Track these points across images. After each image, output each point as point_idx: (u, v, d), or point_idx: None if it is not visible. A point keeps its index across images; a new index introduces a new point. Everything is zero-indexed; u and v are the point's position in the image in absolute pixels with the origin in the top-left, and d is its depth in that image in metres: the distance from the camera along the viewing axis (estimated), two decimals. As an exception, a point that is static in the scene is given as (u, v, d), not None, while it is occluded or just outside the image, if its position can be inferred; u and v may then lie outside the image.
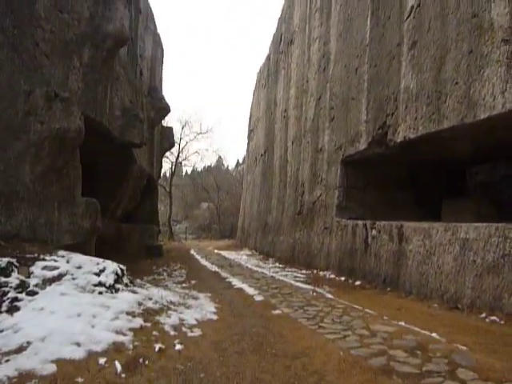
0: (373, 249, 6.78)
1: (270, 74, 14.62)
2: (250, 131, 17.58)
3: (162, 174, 28.54)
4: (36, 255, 3.99)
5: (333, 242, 8.31)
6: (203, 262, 10.92)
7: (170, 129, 12.99)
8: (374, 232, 6.81)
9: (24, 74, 4.90)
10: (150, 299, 4.08)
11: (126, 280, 4.32)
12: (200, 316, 4.11)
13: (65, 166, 5.34)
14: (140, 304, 3.80)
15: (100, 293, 3.72)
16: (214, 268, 9.29)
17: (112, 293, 3.84)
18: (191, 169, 51.01)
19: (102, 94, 6.37)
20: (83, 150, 6.34)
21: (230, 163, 53.60)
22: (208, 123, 62.72)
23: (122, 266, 4.47)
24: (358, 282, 6.93)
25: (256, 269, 9.34)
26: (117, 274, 4.15)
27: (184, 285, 6.76)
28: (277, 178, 12.65)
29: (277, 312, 4.56)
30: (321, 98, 9.53)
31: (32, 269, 3.68)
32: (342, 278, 7.49)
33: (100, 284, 3.85)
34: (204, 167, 46.17)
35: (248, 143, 18.15)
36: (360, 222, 7.31)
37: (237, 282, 6.90)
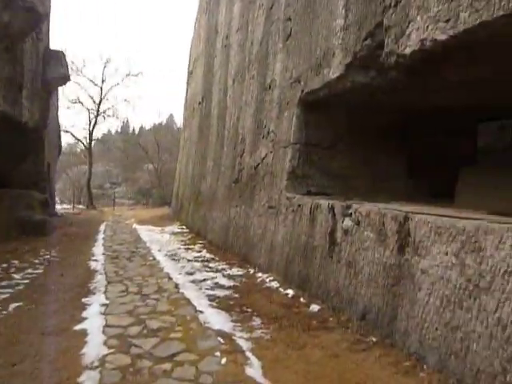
0: (344, 251, 3.82)
1: (212, -6, 10.94)
2: (189, 74, 13.90)
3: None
4: None
5: (280, 230, 5.30)
6: (97, 247, 7.63)
7: (59, 53, 9.00)
8: (347, 221, 3.83)
9: None
10: None
11: None
12: None
13: None
14: None
15: None
16: (98, 263, 6.06)
17: None
18: (139, 126, 46.58)
19: None
20: None
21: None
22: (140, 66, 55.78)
23: None
24: (314, 307, 4.00)
25: (166, 263, 6.23)
26: None
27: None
28: (214, 132, 9.35)
29: None
30: (273, 6, 6.21)
31: None
32: (290, 293, 4.54)
33: None
34: (154, 125, 41.71)
35: (186, 90, 14.51)
36: (324, 202, 4.31)
37: (96, 309, 3.74)
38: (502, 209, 3.62)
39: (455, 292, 2.53)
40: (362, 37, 3.87)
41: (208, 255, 7.13)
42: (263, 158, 6.07)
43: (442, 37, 2.87)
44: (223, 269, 5.93)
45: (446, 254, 2.63)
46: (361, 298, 3.48)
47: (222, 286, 4.90)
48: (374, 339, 3.10)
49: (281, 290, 4.70)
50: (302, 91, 5.04)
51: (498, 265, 2.27)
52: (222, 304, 4.13)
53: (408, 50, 3.22)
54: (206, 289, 4.78)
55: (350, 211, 3.82)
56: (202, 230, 9.41)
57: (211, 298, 4.34)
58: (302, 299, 4.29)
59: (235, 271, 5.77)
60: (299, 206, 4.82)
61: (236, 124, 7.61)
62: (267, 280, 5.12)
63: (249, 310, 3.96)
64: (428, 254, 2.78)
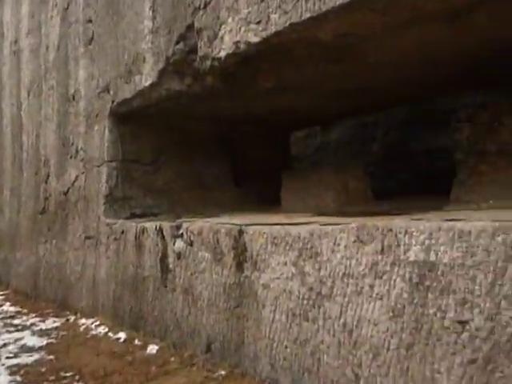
0: (179, 278, 3.37)
1: (-8, -9, 9.09)
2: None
3: None
4: None
5: (102, 263, 4.50)
6: None
7: None
8: (179, 243, 3.40)
9: None
10: None
11: None
12: None
13: None
14: None
15: None
16: None
17: None
18: None
19: None
20: None
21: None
22: None
23: None
24: (152, 348, 3.40)
25: None
26: None
27: None
28: (9, 155, 7.67)
29: None
30: (69, 6, 5.37)
31: None
32: (122, 337, 3.80)
33: None
34: None
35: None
36: (150, 224, 3.78)
37: None
38: (323, 207, 3.81)
39: (299, 303, 2.38)
40: (174, 40, 3.55)
41: (12, 309, 5.65)
42: (74, 182, 5.13)
43: (255, 39, 2.76)
44: (33, 323, 4.72)
45: (285, 264, 2.47)
46: (203, 328, 3.09)
47: (30, 349, 3.81)
48: (224, 372, 2.74)
49: (110, 335, 3.93)
50: (113, 102, 4.41)
51: (336, 268, 2.20)
52: (29, 375, 3.14)
53: (222, 53, 3.03)
54: (8, 358, 3.63)
55: (180, 231, 3.41)
56: (4, 277, 7.55)
57: (14, 371, 3.27)
58: (136, 341, 3.64)
59: (50, 323, 4.65)
60: (122, 232, 4.16)
61: (36, 143, 6.34)
62: (93, 326, 4.25)
63: (68, 373, 3.11)
64: (267, 267, 2.59)
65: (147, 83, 3.86)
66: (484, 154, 3.00)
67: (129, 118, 4.50)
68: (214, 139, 5.35)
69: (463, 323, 1.69)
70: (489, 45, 2.52)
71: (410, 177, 5.46)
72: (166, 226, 3.57)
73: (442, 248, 1.77)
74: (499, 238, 1.61)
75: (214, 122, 5.06)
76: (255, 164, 5.66)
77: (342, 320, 2.15)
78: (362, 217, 2.56)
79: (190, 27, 3.39)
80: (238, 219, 3.24)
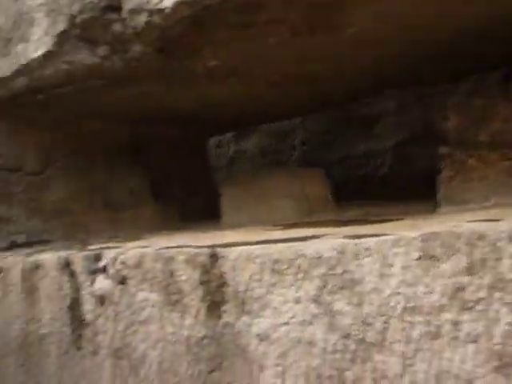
0: (105, 334, 2.25)
1: None
2: None
3: None
4: None
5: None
6: None
7: None
8: (102, 282, 2.30)
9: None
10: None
11: None
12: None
13: None
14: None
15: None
16: None
17: None
18: None
19: None
20: None
21: None
22: None
23: None
24: None
25: None
26: None
27: None
28: None
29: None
30: None
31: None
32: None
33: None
34: None
35: None
36: (49, 257, 2.56)
37: None
38: (280, 219, 3.09)
39: (327, 360, 1.58)
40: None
41: None
42: None
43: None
44: None
45: (298, 301, 1.65)
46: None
47: None
48: None
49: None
50: (-21, 83, 3.06)
51: (390, 300, 1.47)
52: None
53: (168, 3, 2.12)
54: None
55: (102, 263, 2.32)
56: None
57: None
58: None
59: None
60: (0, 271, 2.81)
61: None
62: None
63: None
64: (266, 308, 1.73)
65: (38, 53, 2.70)
66: (474, 147, 2.64)
67: (5, 108, 3.18)
68: (124, 144, 4.26)
69: None
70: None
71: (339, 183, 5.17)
72: (77, 256, 2.42)
73: None
74: None
75: (123, 121, 3.99)
76: (173, 174, 4.70)
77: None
78: (336, 226, 1.94)
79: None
80: (190, 239, 2.31)
